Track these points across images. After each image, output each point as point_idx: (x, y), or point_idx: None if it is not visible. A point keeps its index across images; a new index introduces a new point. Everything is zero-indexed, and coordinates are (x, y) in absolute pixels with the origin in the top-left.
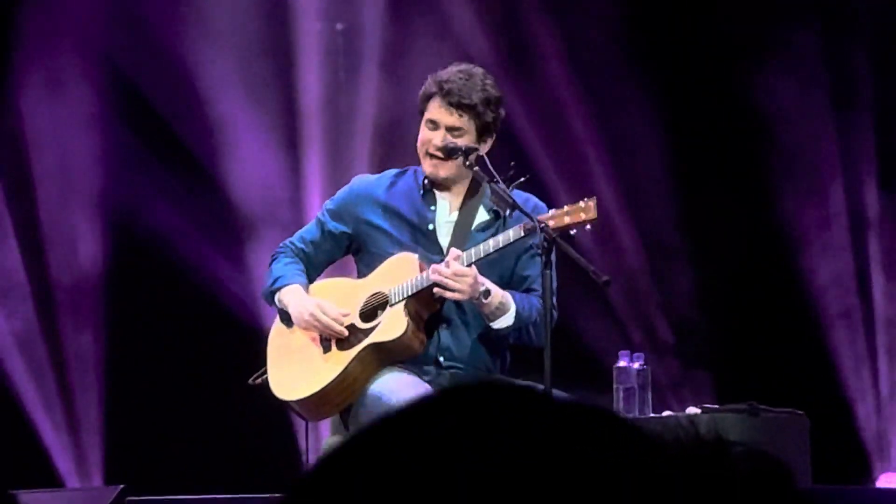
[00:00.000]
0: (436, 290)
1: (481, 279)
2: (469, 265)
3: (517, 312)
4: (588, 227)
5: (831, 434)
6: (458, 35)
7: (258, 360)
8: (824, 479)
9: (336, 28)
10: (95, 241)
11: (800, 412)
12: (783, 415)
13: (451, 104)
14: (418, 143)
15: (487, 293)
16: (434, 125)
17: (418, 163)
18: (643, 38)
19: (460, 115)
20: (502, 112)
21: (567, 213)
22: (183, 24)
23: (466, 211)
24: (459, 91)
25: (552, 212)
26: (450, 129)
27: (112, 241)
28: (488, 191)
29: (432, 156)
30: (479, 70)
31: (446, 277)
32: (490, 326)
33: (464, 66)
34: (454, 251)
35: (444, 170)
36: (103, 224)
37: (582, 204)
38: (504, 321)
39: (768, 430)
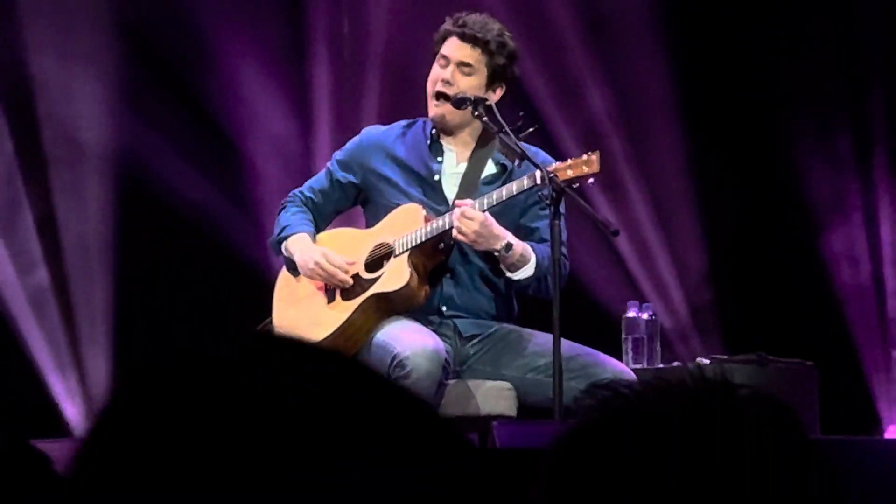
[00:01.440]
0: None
1: (503, 231)
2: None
3: (537, 263)
4: (591, 180)
5: (840, 385)
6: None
7: (265, 309)
8: (833, 430)
9: None
10: (105, 193)
11: (808, 362)
12: (792, 365)
13: (465, 37)
14: (428, 84)
15: (509, 246)
16: (446, 61)
17: (426, 114)
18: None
19: (473, 49)
20: (516, 69)
21: (570, 167)
22: None
23: (474, 163)
24: (475, 26)
25: (554, 165)
26: (460, 65)
27: (121, 191)
28: (499, 143)
29: (439, 95)
30: (495, 20)
31: (455, 218)
32: (510, 278)
33: (481, 14)
34: (468, 200)
35: (450, 115)
36: (112, 175)
37: (585, 157)
38: (525, 272)
39: (777, 381)
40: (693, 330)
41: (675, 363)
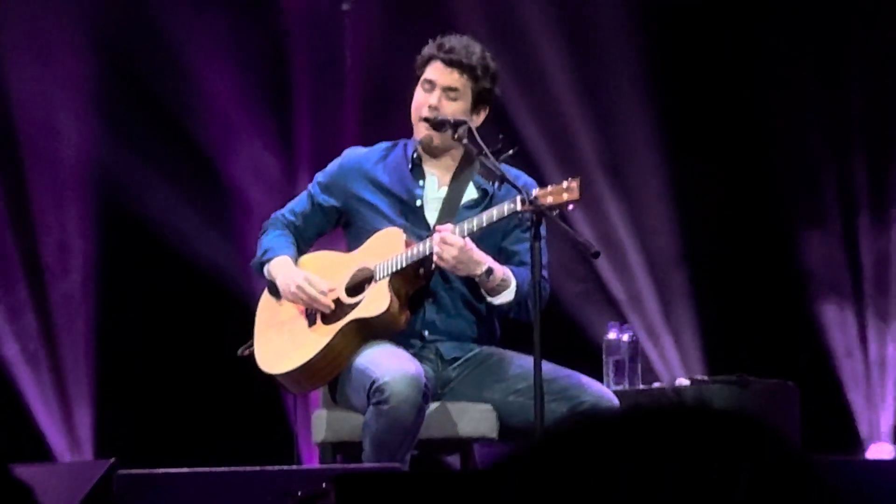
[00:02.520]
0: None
1: (483, 257)
2: (464, 238)
3: (517, 287)
4: (571, 207)
5: (821, 405)
6: (453, 14)
7: (247, 332)
8: (814, 450)
9: (343, 8)
10: (86, 216)
11: (790, 382)
12: (773, 385)
13: (451, 63)
14: (412, 109)
15: (490, 272)
16: (431, 85)
17: (409, 136)
18: (637, 9)
19: (460, 75)
20: (497, 89)
21: (550, 194)
22: None
23: (455, 187)
24: (460, 52)
25: (535, 191)
26: (446, 90)
27: (102, 215)
28: (479, 166)
29: (426, 120)
30: (478, 43)
31: (435, 243)
32: (491, 303)
33: (463, 36)
34: (448, 225)
35: (437, 137)
36: (93, 199)
37: (565, 184)
38: (505, 297)
39: (758, 401)
40: (674, 351)
41: (656, 384)
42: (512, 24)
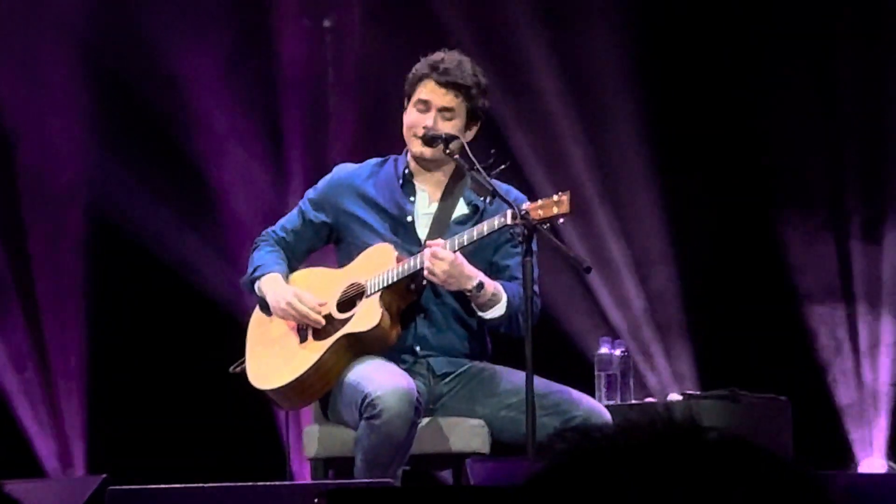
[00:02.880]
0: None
1: (474, 271)
2: (454, 252)
3: (508, 302)
4: (561, 220)
5: (814, 419)
6: (443, 33)
7: (239, 348)
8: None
9: (324, 25)
10: (76, 231)
11: (782, 397)
12: (765, 400)
13: (446, 84)
14: (405, 127)
15: (480, 286)
16: (425, 106)
17: (400, 151)
18: (628, 25)
19: (455, 96)
20: (488, 102)
21: (541, 207)
22: (165, 14)
23: (446, 203)
24: (454, 72)
25: (526, 205)
26: (441, 111)
27: (93, 230)
28: (470, 181)
29: (421, 138)
30: (466, 57)
31: (426, 258)
32: (482, 318)
33: (453, 53)
34: (439, 240)
35: (429, 151)
36: (84, 214)
37: (556, 198)
38: (496, 311)
39: (750, 416)
40: (666, 366)
41: (649, 399)
42: (496, 35)
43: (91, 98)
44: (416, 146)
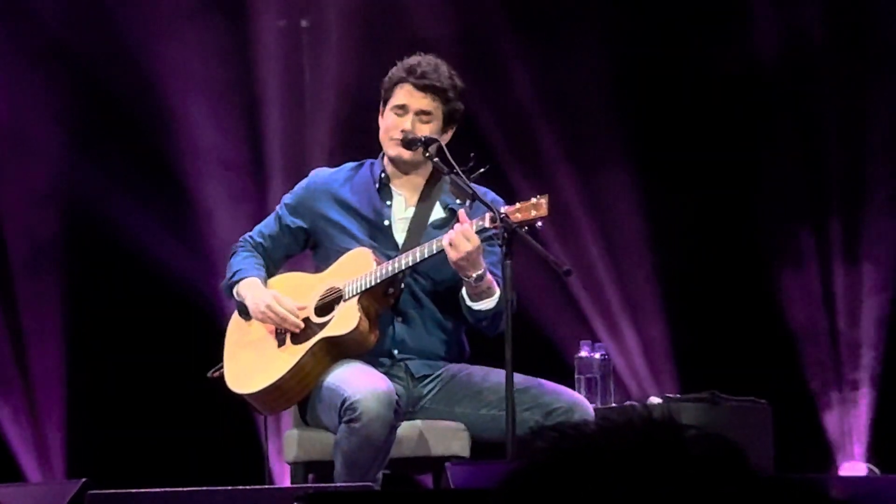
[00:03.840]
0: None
1: (482, 261)
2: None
3: (500, 296)
4: (539, 223)
5: (794, 423)
6: (421, 32)
7: (218, 352)
8: (787, 468)
9: (301, 25)
10: (54, 232)
11: (762, 401)
12: (745, 403)
13: (423, 87)
14: (382, 131)
15: (481, 276)
16: (403, 110)
17: (376, 155)
18: (608, 27)
19: (433, 99)
20: (464, 105)
21: (519, 210)
22: (142, 14)
23: (422, 207)
24: (431, 76)
25: (504, 208)
26: (419, 114)
27: (71, 232)
28: (446, 186)
29: (399, 140)
30: (441, 60)
31: (456, 232)
32: (471, 307)
33: (429, 56)
34: (467, 220)
35: (407, 154)
36: (64, 222)
37: (534, 200)
38: (488, 303)
39: (730, 419)
40: (646, 369)
41: (629, 402)
42: (473, 37)
43: (68, 99)
44: (393, 149)
